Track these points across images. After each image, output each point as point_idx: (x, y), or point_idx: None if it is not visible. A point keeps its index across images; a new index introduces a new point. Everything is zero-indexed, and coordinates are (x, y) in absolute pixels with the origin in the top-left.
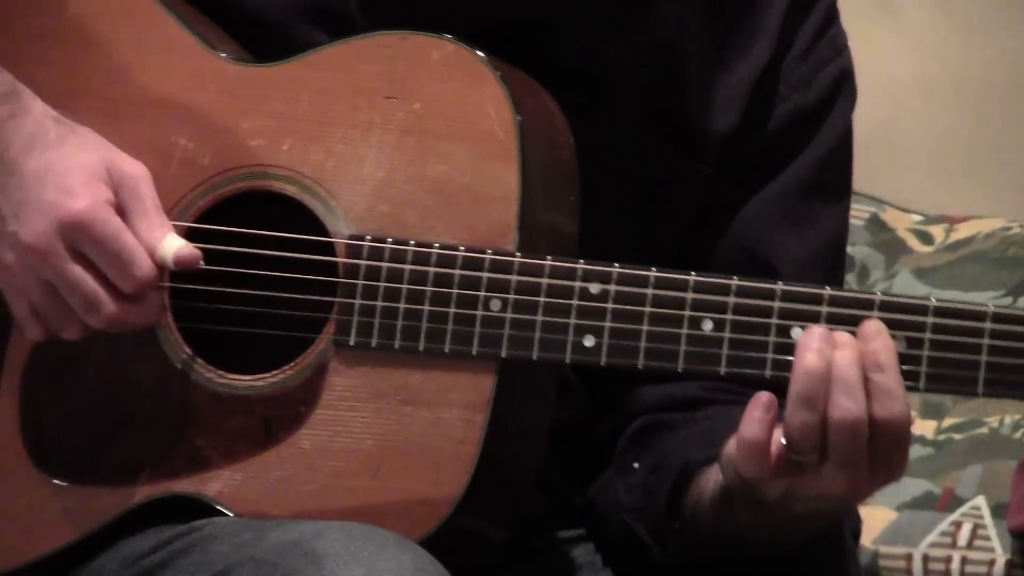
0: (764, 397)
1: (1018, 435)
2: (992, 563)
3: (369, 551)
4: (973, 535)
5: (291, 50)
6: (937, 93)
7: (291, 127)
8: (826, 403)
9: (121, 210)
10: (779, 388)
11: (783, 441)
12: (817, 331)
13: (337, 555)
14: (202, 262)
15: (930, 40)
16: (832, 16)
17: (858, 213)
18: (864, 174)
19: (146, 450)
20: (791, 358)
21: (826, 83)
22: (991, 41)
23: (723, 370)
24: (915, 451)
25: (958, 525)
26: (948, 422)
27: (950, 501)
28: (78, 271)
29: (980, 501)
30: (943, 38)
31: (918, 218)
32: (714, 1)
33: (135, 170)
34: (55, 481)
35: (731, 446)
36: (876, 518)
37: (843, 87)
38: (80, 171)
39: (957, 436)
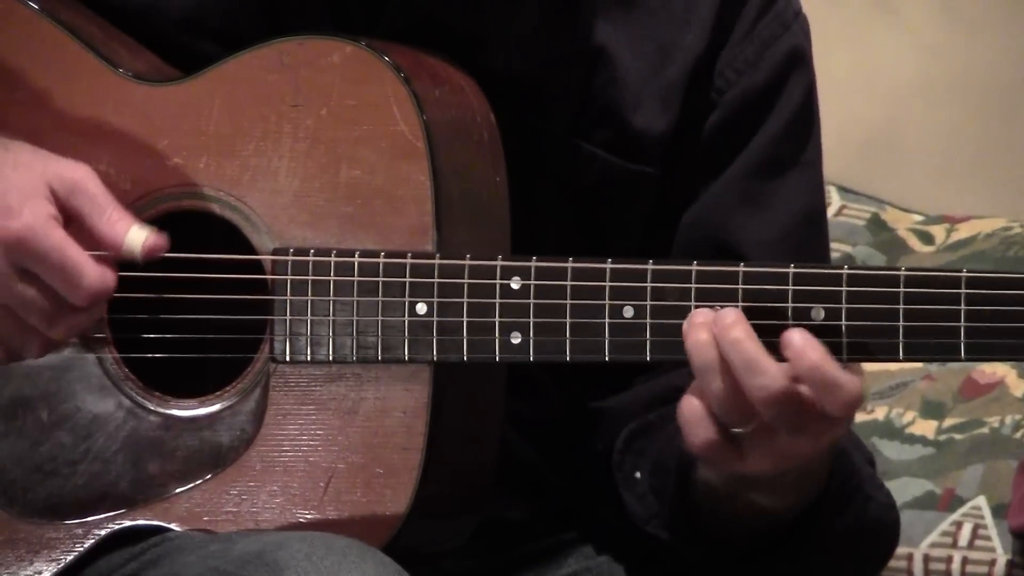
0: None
1: (1019, 435)
2: (993, 563)
3: (331, 561)
4: (974, 535)
5: (201, 59)
6: (938, 93)
7: (205, 144)
8: (731, 372)
9: (77, 215)
10: None
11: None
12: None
13: (299, 566)
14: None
15: (930, 40)
16: None
17: (859, 213)
18: (864, 174)
19: (105, 483)
20: None
21: (776, 60)
22: (992, 41)
23: (649, 356)
24: (916, 451)
25: (959, 525)
26: (949, 422)
27: (951, 501)
28: (30, 291)
29: (981, 501)
30: (943, 38)
31: (919, 218)
32: None
33: (77, 172)
34: (23, 521)
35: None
36: None
37: (795, 64)
38: (17, 190)
39: (958, 436)
